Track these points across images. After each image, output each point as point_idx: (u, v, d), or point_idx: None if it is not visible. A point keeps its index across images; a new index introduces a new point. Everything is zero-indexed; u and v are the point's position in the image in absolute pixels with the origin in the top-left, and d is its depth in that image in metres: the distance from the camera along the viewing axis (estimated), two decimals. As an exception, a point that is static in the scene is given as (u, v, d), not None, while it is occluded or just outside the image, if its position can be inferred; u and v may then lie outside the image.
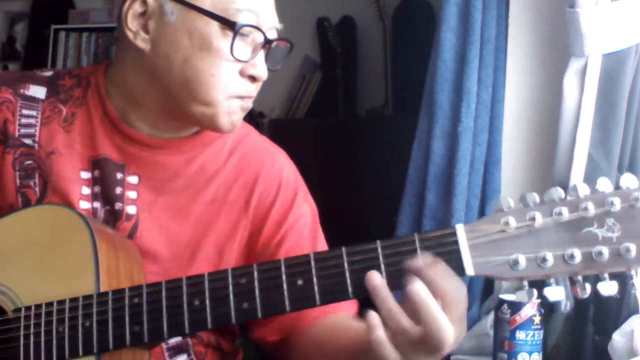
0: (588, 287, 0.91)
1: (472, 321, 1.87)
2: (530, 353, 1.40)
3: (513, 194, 2.00)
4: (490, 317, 1.69)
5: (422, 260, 0.93)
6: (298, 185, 1.28)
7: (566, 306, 1.59)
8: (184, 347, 1.19)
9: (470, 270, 0.93)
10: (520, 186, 1.96)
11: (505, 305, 1.41)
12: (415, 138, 2.08)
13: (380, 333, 0.92)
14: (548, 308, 1.51)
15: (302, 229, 1.24)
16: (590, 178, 1.72)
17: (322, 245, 1.27)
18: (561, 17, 1.75)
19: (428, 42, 2.10)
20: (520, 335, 1.40)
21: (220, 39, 1.10)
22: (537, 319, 1.40)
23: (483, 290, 1.92)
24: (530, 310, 1.40)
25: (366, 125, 3.47)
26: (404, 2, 3.44)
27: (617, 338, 1.44)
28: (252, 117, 3.31)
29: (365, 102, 3.60)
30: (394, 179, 2.20)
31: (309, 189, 1.30)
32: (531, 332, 1.40)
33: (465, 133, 1.94)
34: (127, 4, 1.13)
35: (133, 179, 1.18)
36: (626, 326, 1.46)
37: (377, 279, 0.93)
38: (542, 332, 1.41)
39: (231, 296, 0.98)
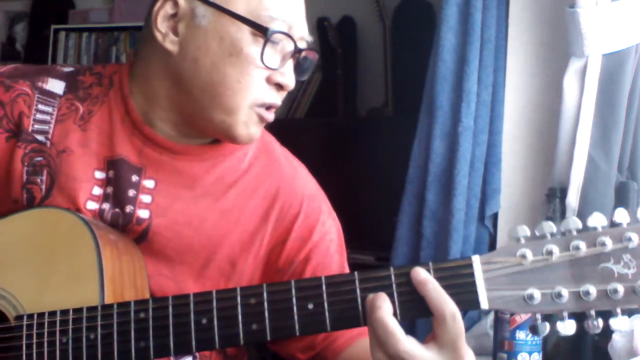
0: (600, 322, 0.90)
1: (472, 321, 1.87)
2: (530, 353, 1.40)
3: (513, 194, 2.02)
4: (490, 317, 1.69)
5: (422, 274, 0.92)
6: (321, 200, 1.26)
7: (566, 306, 1.58)
8: None
9: (484, 304, 0.93)
10: (520, 186, 1.96)
11: (505, 305, 1.41)
12: (415, 138, 2.08)
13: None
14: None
15: (329, 246, 1.22)
16: (590, 178, 1.72)
17: (346, 263, 1.25)
18: (561, 17, 1.75)
19: (428, 42, 2.10)
20: (520, 335, 1.40)
21: (251, 45, 1.09)
22: (540, 317, 1.40)
23: (483, 290, 1.92)
24: (530, 310, 1.39)
25: (366, 125, 3.46)
26: (404, 2, 3.44)
27: (617, 338, 1.44)
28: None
29: (365, 102, 3.59)
30: (394, 179, 2.20)
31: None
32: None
33: (465, 133, 1.94)
34: (157, 5, 1.12)
35: (149, 183, 1.16)
36: (626, 326, 1.46)
37: (378, 302, 0.92)
38: (542, 332, 1.41)
39: (240, 316, 0.96)
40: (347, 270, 1.24)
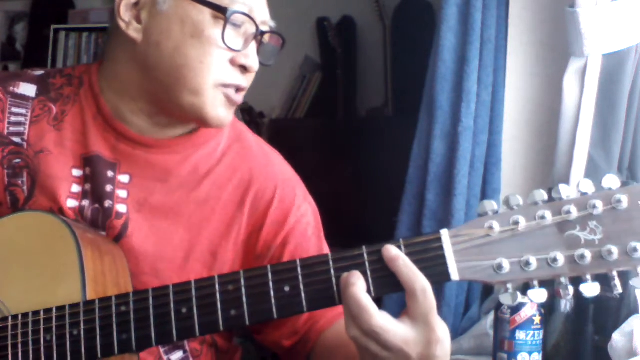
0: (571, 289, 0.91)
1: (472, 321, 1.87)
2: (530, 353, 1.40)
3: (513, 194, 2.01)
4: (490, 317, 1.69)
5: (393, 251, 0.93)
6: (295, 184, 1.27)
7: (566, 306, 1.59)
8: (179, 343, 1.18)
9: (455, 276, 0.93)
10: (520, 186, 1.96)
11: (505, 305, 1.41)
12: (415, 138, 2.08)
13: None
14: (548, 308, 1.51)
15: (306, 229, 1.24)
16: (590, 178, 1.72)
17: (324, 245, 1.27)
18: (561, 17, 1.75)
19: (428, 42, 2.10)
20: (520, 335, 1.40)
21: (212, 27, 1.11)
22: (537, 319, 1.40)
23: (483, 291, 1.92)
24: (530, 310, 1.40)
25: (366, 125, 3.47)
26: (404, 2, 3.44)
27: (617, 338, 1.44)
28: (252, 117, 3.31)
29: (365, 102, 3.60)
30: (394, 179, 2.20)
31: (308, 189, 1.30)
32: (531, 332, 1.40)
33: (465, 133, 1.94)
34: None
35: (124, 178, 1.17)
36: (626, 326, 1.46)
37: (352, 279, 0.93)
38: (542, 332, 1.41)
39: (218, 303, 0.97)
40: (325, 252, 1.25)
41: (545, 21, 1.91)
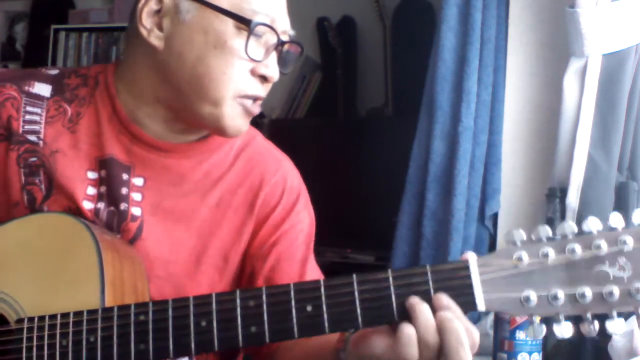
0: (596, 324, 0.91)
1: (472, 321, 1.86)
2: (530, 353, 1.40)
3: (513, 194, 2.01)
4: (490, 317, 1.69)
5: (442, 299, 0.93)
6: (300, 191, 1.27)
7: (566, 306, 1.58)
8: None
9: (481, 306, 0.93)
10: (520, 186, 1.97)
11: (505, 305, 1.41)
12: (415, 138, 2.08)
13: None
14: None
15: (298, 235, 1.24)
16: (590, 178, 1.72)
17: (312, 255, 1.27)
18: (561, 17, 1.75)
19: (428, 42, 2.11)
20: (520, 335, 1.40)
21: (235, 37, 1.11)
22: (537, 319, 1.40)
23: (483, 290, 1.92)
24: (530, 310, 1.40)
25: (366, 125, 3.47)
26: (404, 2, 3.44)
27: (617, 338, 1.44)
28: (252, 117, 3.30)
29: (365, 102, 3.59)
30: (394, 179, 2.20)
31: (308, 189, 1.30)
32: (531, 332, 1.40)
33: (465, 133, 1.94)
34: (142, 2, 1.13)
35: (138, 181, 1.17)
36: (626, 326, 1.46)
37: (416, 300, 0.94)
38: (542, 332, 1.41)
39: (239, 319, 0.96)
40: (310, 264, 1.25)
41: (545, 21, 1.91)
